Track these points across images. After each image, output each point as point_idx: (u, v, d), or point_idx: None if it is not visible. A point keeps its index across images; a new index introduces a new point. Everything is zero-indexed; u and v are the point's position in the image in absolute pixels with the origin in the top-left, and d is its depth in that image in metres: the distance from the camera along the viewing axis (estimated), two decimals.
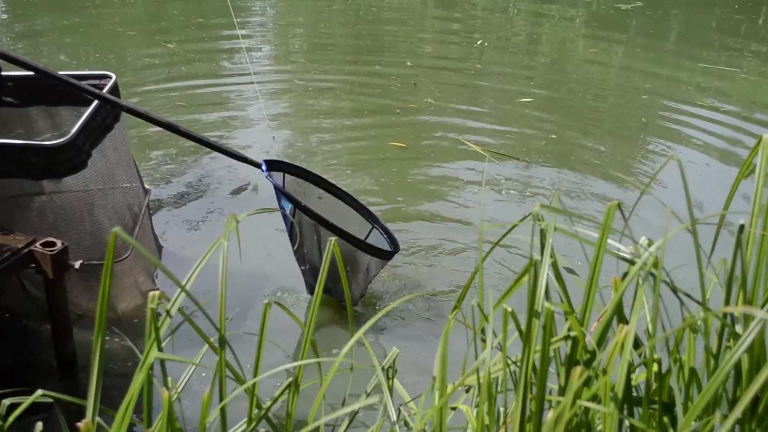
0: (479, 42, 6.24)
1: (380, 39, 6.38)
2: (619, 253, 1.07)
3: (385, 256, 2.58)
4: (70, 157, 2.15)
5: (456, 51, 6.15)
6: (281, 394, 1.20)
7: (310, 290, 2.69)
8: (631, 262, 1.05)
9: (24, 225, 2.24)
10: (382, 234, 2.73)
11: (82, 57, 5.34)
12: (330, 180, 2.78)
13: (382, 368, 1.31)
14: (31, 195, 2.25)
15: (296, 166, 2.70)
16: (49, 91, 2.55)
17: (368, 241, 2.67)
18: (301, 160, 3.89)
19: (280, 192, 2.48)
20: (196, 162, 3.76)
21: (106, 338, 2.21)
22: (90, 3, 6.81)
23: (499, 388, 1.23)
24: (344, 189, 2.79)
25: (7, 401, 1.15)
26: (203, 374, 2.24)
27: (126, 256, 2.37)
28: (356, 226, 2.72)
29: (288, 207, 2.48)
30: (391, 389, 1.33)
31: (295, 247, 2.57)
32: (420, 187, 3.68)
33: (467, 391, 1.28)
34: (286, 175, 2.66)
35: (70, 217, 2.26)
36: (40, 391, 1.11)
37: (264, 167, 2.49)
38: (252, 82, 4.85)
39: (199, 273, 1.13)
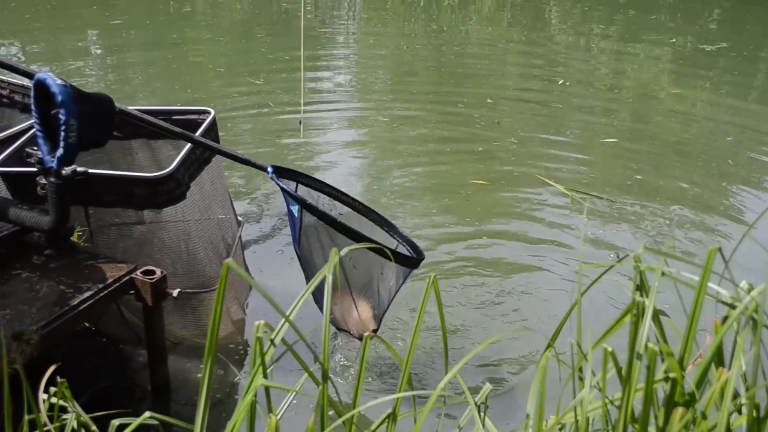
0: (561, 81, 6.23)
1: (463, 74, 6.43)
2: (719, 296, 1.07)
3: (409, 263, 2.35)
4: (170, 189, 2.24)
5: (539, 88, 6.15)
6: (379, 425, 1.22)
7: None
8: (732, 306, 1.06)
9: (124, 252, 2.34)
10: (405, 246, 2.45)
11: (172, 92, 5.51)
12: (351, 195, 2.56)
13: (475, 404, 1.33)
14: (132, 224, 2.34)
15: (310, 177, 2.49)
16: (147, 124, 2.65)
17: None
18: (379, 194, 3.94)
19: (287, 194, 2.30)
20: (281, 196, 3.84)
21: (200, 364, 2.28)
22: (181, 40, 7.02)
23: (594, 428, 1.23)
24: (376, 210, 2.55)
25: (116, 421, 1.20)
26: (295, 401, 2.28)
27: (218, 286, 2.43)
28: (379, 242, 2.40)
29: (296, 210, 2.29)
30: (483, 424, 1.34)
31: (300, 252, 2.37)
32: (503, 226, 3.69)
33: (561, 429, 1.29)
34: (299, 186, 2.45)
35: (168, 246, 2.35)
36: (147, 413, 1.16)
37: (270, 169, 2.31)
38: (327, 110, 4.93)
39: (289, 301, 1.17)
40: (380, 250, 2.18)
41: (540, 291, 3.11)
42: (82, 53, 6.41)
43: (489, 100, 5.68)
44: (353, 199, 2.53)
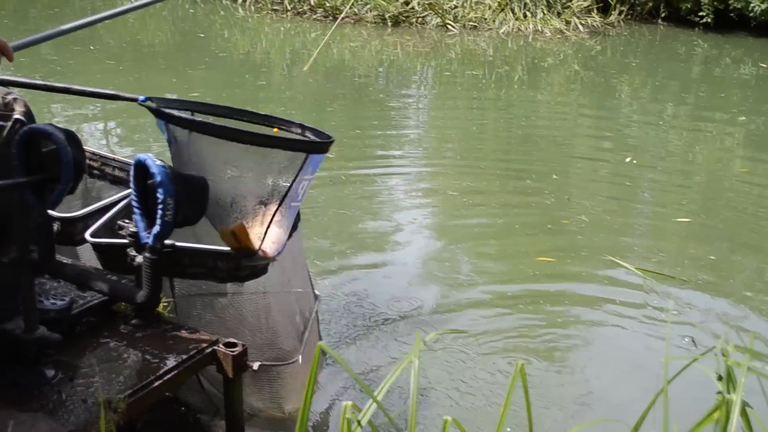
0: (628, 159, 6.22)
1: (532, 149, 6.47)
2: None
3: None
4: (253, 264, 2.31)
5: (609, 163, 6.15)
6: None
7: None
8: None
9: (206, 323, 2.41)
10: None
11: None
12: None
13: None
14: (214, 295, 2.42)
15: (188, 101, 2.21)
16: None
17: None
18: (445, 266, 3.98)
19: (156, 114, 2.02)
20: (360, 273, 3.91)
21: None
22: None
23: None
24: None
25: None
26: None
27: (295, 359, 2.49)
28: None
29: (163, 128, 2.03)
30: None
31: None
32: (572, 306, 3.68)
33: None
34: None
35: (248, 319, 2.42)
36: None
37: (142, 98, 2.07)
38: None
39: (367, 380, 1.20)
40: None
41: (613, 377, 3.08)
42: (153, 122, 6.63)
43: (554, 176, 5.70)
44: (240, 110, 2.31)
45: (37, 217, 2.03)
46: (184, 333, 2.28)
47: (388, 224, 4.69)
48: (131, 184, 1.95)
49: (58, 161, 1.92)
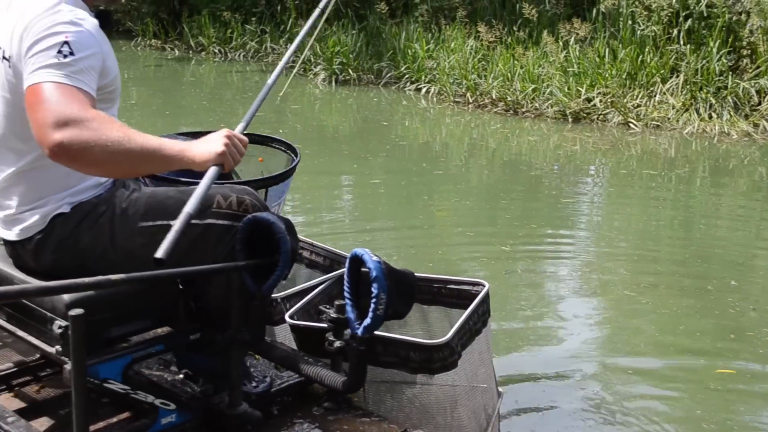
0: None
1: (711, 254, 6.23)
2: None
3: None
4: (445, 357, 2.36)
5: None
6: None
7: None
8: None
9: (392, 410, 2.47)
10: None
11: (421, 252, 5.75)
12: None
13: None
14: (403, 384, 2.48)
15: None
16: (422, 291, 2.83)
17: None
18: (612, 372, 3.88)
19: None
20: (538, 365, 3.89)
21: None
22: (431, 202, 7.35)
23: None
24: None
25: None
26: None
27: None
28: None
29: None
30: None
31: None
32: (755, 424, 3.50)
33: None
34: None
35: (435, 410, 2.46)
36: None
37: None
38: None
39: None
40: None
41: None
42: (336, 204, 6.91)
43: (733, 282, 5.46)
44: None
45: (253, 300, 2.18)
46: (373, 420, 2.35)
47: (559, 317, 4.65)
48: (346, 276, 2.06)
49: (277, 249, 2.06)
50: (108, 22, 2.29)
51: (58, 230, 2.13)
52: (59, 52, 1.99)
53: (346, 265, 2.07)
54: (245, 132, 2.27)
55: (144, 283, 2.01)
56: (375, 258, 1.96)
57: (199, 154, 2.02)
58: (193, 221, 2.08)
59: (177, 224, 1.90)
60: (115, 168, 1.99)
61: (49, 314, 2.03)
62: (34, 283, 2.05)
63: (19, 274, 2.20)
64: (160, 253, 1.83)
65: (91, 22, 2.13)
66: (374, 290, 1.94)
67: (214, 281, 2.19)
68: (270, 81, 2.57)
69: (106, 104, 2.18)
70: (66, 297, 1.97)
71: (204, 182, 2.00)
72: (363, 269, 2.06)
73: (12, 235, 2.22)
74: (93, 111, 1.95)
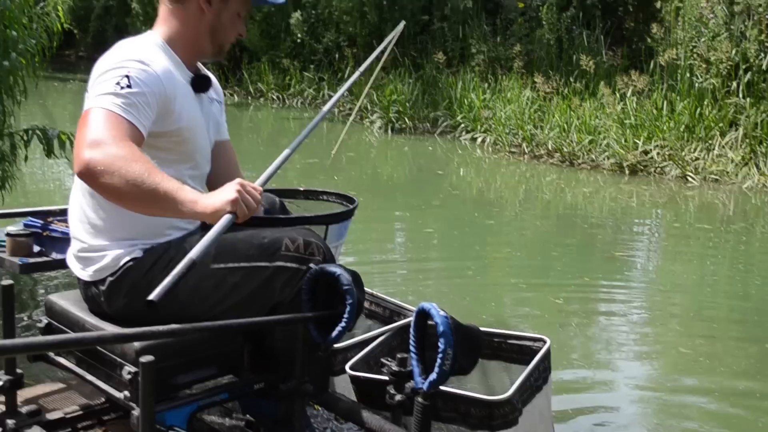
0: None
1: None
2: None
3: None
4: (506, 413, 2.35)
5: None
6: None
7: None
8: None
9: None
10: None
11: (469, 305, 5.71)
12: None
13: None
14: None
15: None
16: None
17: None
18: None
19: None
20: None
21: None
22: (480, 253, 7.32)
23: None
24: None
25: None
26: None
27: None
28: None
29: None
30: None
31: None
32: None
33: None
34: None
35: None
36: None
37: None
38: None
39: None
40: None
41: None
42: (389, 253, 6.92)
43: None
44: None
45: (317, 351, 2.19)
46: None
47: (613, 374, 4.57)
48: (411, 329, 2.07)
49: (343, 300, 2.09)
50: (202, 88, 2.39)
51: (131, 274, 2.19)
52: (118, 83, 2.10)
53: (413, 318, 2.08)
54: (287, 189, 2.32)
55: (213, 332, 2.04)
56: (442, 313, 1.97)
57: (211, 204, 2.00)
58: (262, 264, 2.13)
59: (178, 269, 1.87)
60: (130, 200, 2.02)
61: (118, 359, 2.08)
62: (109, 330, 2.09)
63: (92, 318, 2.25)
64: (153, 296, 1.82)
65: (161, 65, 2.23)
66: (441, 345, 1.94)
67: (278, 330, 2.22)
68: (300, 136, 2.58)
69: (171, 154, 2.26)
70: (136, 343, 2.02)
71: (214, 230, 1.96)
72: (429, 322, 2.06)
73: (85, 275, 2.28)
74: (128, 142, 2.02)
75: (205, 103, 2.50)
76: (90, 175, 1.98)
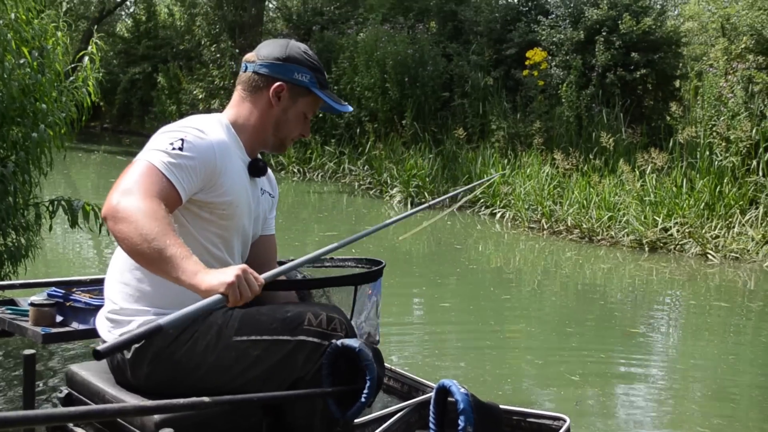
0: None
1: None
2: None
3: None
4: None
5: None
6: None
7: None
8: None
9: None
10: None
11: (485, 380, 5.65)
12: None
13: None
14: None
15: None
16: None
17: None
18: None
19: None
20: None
21: None
22: (497, 328, 7.27)
23: None
24: None
25: None
26: None
27: None
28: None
29: None
30: None
31: None
32: None
33: None
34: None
35: None
36: None
37: None
38: None
39: None
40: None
41: None
42: (405, 327, 6.90)
43: None
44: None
45: (336, 427, 2.19)
46: None
47: None
48: (431, 406, 2.07)
49: (363, 376, 2.09)
50: (257, 173, 2.47)
51: (155, 343, 2.21)
52: (171, 143, 2.20)
53: (433, 394, 2.08)
54: (312, 257, 2.35)
55: (234, 405, 2.04)
56: (463, 390, 1.97)
57: (207, 280, 1.99)
58: (285, 337, 2.15)
59: (140, 330, 1.87)
60: (138, 254, 2.07)
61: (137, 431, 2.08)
62: (130, 401, 2.10)
63: (112, 389, 2.27)
64: (101, 347, 1.81)
65: (218, 138, 2.34)
66: (461, 423, 1.94)
67: (298, 405, 2.22)
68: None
69: (211, 225, 2.32)
70: (156, 416, 2.02)
71: (197, 305, 1.93)
72: (449, 399, 2.06)
73: (111, 337, 2.32)
74: (155, 199, 2.09)
75: (258, 190, 2.57)
76: (111, 219, 2.08)
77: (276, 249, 2.78)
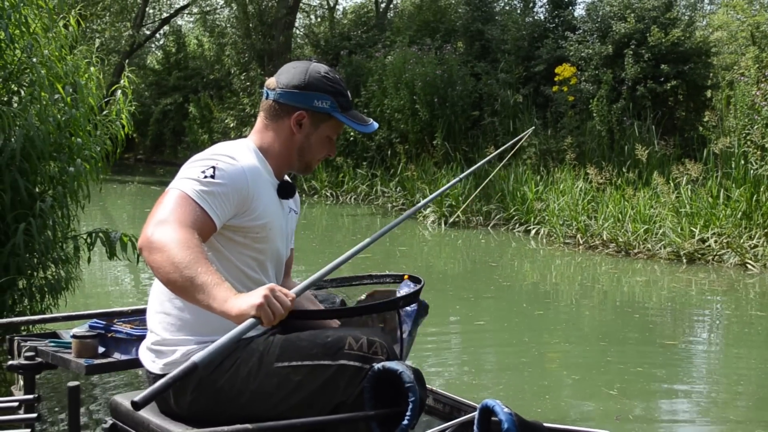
0: None
1: None
2: None
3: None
4: None
5: None
6: None
7: None
8: None
9: None
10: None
11: (524, 397, 5.60)
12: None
13: None
14: None
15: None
16: None
17: None
18: None
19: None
20: None
21: None
22: (534, 345, 7.22)
23: None
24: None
25: None
26: None
27: None
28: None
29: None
30: None
31: None
32: None
33: None
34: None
35: None
36: None
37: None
38: None
39: None
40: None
41: None
42: (441, 347, 6.87)
43: None
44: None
45: None
46: None
47: None
48: (475, 427, 2.06)
49: (405, 398, 2.09)
50: (287, 195, 2.50)
51: (198, 371, 2.22)
52: (203, 171, 2.23)
53: (476, 414, 2.07)
54: (348, 277, 2.37)
55: None
56: (507, 410, 1.97)
57: (237, 306, 1.99)
58: (326, 362, 2.16)
59: (176, 372, 1.88)
60: (171, 283, 2.10)
61: None
62: (175, 431, 2.12)
63: (156, 418, 2.29)
64: (138, 398, 1.82)
65: (249, 163, 2.36)
66: None
67: (341, 429, 2.22)
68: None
69: (246, 249, 2.33)
70: None
71: (230, 334, 1.93)
72: (492, 419, 2.05)
73: (155, 368, 2.34)
74: (189, 228, 2.12)
75: (286, 210, 2.60)
76: (146, 250, 2.11)
77: (292, 261, 2.82)
